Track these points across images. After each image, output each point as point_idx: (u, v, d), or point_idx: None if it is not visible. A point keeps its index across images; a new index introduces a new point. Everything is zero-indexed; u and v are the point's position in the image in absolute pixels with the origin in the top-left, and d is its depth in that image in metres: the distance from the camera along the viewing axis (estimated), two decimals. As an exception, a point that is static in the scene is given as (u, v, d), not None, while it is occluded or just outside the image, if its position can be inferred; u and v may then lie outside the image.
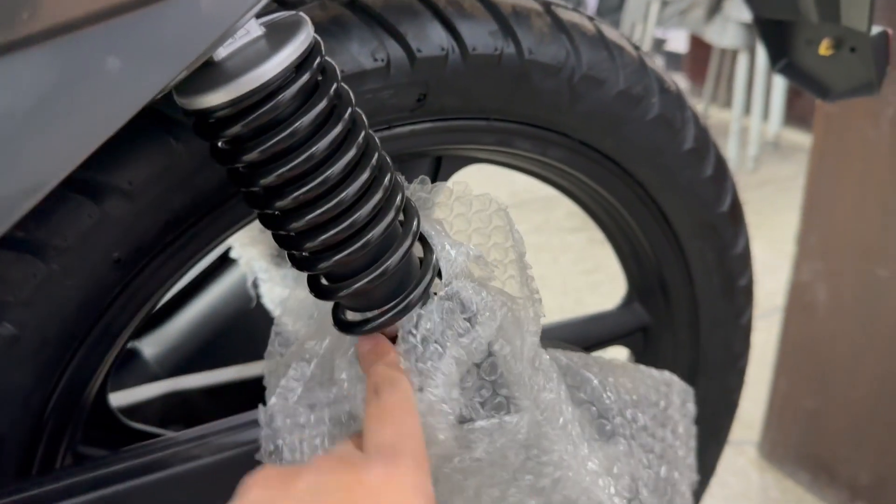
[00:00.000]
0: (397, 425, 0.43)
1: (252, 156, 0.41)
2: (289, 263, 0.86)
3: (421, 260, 0.50)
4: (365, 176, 0.44)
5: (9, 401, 0.53)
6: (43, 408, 0.55)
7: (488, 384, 0.51)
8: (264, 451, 0.50)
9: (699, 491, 0.99)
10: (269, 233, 0.83)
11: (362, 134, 0.44)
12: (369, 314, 0.48)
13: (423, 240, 0.50)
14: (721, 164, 0.80)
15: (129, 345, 0.89)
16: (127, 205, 0.51)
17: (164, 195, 0.53)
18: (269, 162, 0.42)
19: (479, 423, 0.49)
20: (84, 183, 0.50)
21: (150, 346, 0.89)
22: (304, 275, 0.86)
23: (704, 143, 0.77)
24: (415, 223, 0.48)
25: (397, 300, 0.48)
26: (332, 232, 0.44)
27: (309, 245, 0.44)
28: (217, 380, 0.83)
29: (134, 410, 0.76)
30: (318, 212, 0.43)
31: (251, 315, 0.90)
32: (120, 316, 0.56)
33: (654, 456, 0.63)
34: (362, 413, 0.49)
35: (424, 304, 0.49)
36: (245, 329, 0.91)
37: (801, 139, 3.69)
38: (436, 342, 0.47)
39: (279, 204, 0.43)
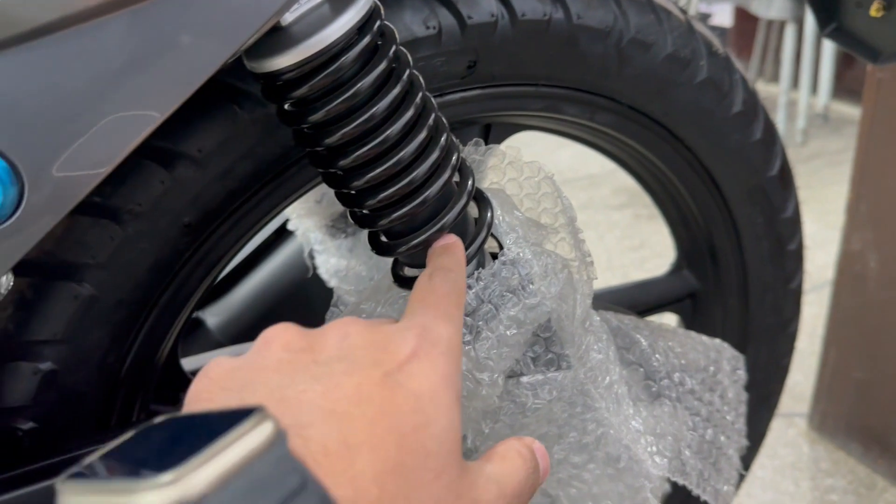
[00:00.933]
0: (441, 309, 0.41)
1: (317, 116, 0.43)
2: (343, 234, 0.89)
3: (476, 220, 0.52)
4: (422, 135, 0.45)
5: (88, 359, 0.56)
6: (119, 367, 0.58)
7: (541, 341, 0.52)
8: None
9: (749, 457, 1.00)
10: (324, 204, 0.86)
11: (419, 95, 0.46)
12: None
13: (479, 199, 0.52)
14: (770, 128, 0.80)
15: (194, 315, 0.92)
16: (196, 172, 0.54)
17: (231, 163, 0.55)
18: (333, 122, 0.44)
19: (525, 379, 0.50)
20: (156, 150, 0.53)
21: (214, 316, 0.93)
22: (359, 246, 0.88)
23: (753, 107, 0.77)
24: (470, 182, 0.49)
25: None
26: (391, 190, 0.46)
27: (370, 202, 0.46)
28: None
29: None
30: (379, 170, 0.45)
31: (307, 285, 0.93)
32: (189, 280, 0.59)
33: (699, 419, 0.64)
34: None
35: (481, 263, 0.51)
36: (301, 299, 0.94)
37: (851, 112, 3.61)
38: (490, 302, 0.49)
39: (342, 163, 0.45)
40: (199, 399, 0.38)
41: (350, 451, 0.33)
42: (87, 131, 0.41)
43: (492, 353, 0.47)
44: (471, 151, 0.54)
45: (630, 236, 2.56)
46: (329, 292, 0.86)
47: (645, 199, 3.03)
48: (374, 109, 0.43)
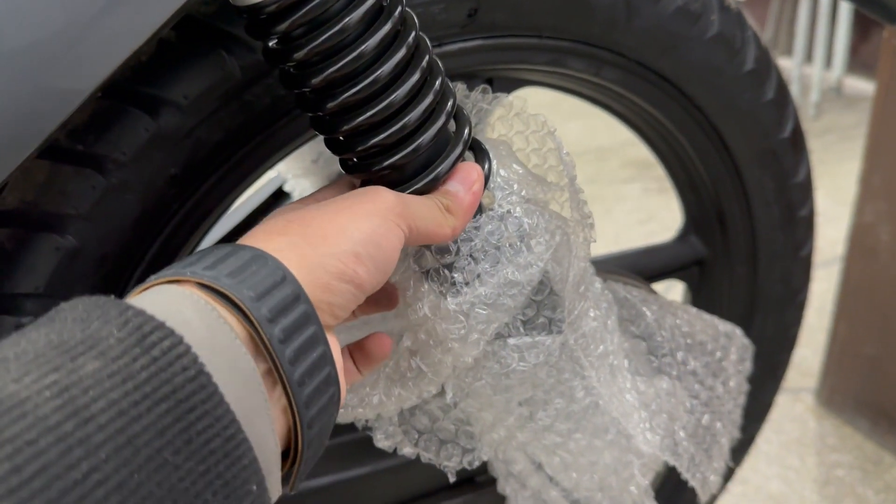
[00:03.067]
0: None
1: (301, 54, 0.41)
2: (341, 196, 0.86)
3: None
4: (415, 77, 0.43)
5: (73, 314, 0.54)
6: (105, 323, 0.57)
7: (533, 304, 0.50)
8: None
9: (754, 430, 0.98)
10: (320, 164, 0.83)
11: (412, 34, 0.43)
12: None
13: (476, 149, 0.49)
14: (783, 88, 0.77)
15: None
16: (182, 120, 0.52)
17: (218, 111, 0.53)
18: (319, 61, 0.41)
19: (512, 341, 0.48)
20: (140, 96, 0.51)
21: (207, 279, 0.91)
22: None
23: (765, 65, 0.75)
24: (466, 130, 0.47)
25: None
26: (382, 136, 0.44)
27: (360, 149, 0.44)
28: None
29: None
30: (368, 114, 0.43)
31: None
32: (177, 235, 0.57)
33: (698, 402, 0.62)
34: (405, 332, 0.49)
35: (476, 214, 0.49)
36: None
37: (865, 86, 3.55)
38: (470, 256, 0.46)
39: (329, 106, 0.43)
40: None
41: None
42: (56, 62, 0.39)
43: (465, 307, 0.45)
44: (477, 99, 0.51)
45: (638, 210, 2.53)
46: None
47: (653, 173, 3.00)
48: (363, 47, 0.41)
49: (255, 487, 0.31)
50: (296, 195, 0.88)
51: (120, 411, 0.28)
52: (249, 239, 0.40)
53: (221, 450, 0.30)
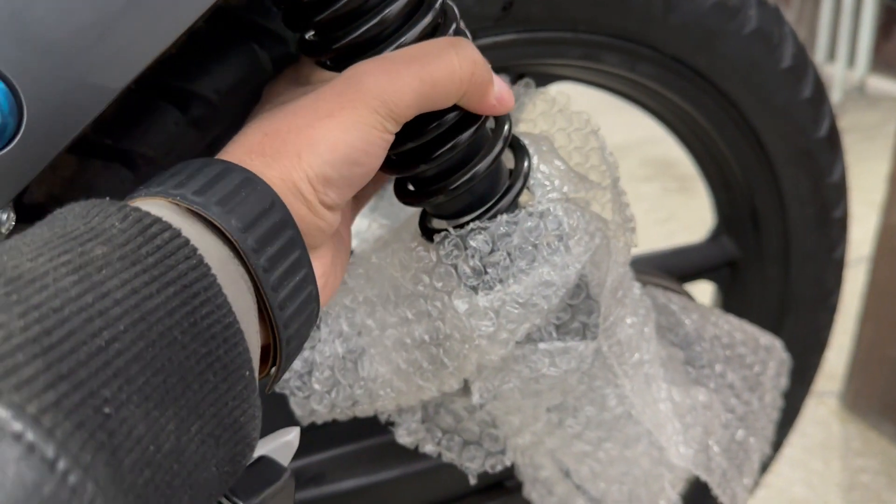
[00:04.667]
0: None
1: (339, 46, 0.40)
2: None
3: (511, 170, 0.48)
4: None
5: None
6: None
7: (568, 308, 0.49)
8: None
9: (782, 434, 0.96)
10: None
11: (453, 26, 0.42)
12: (454, 222, 0.47)
13: (515, 147, 0.48)
14: (819, 86, 0.76)
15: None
16: (212, 114, 0.51)
17: (248, 105, 0.52)
18: (358, 52, 0.40)
19: (543, 345, 0.47)
20: (171, 90, 0.50)
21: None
22: (382, 205, 0.85)
23: (803, 62, 0.73)
24: (506, 127, 0.46)
25: (484, 209, 0.46)
26: (421, 136, 0.42)
27: (396, 148, 0.43)
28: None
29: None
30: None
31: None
32: (205, 231, 0.56)
33: (734, 417, 0.60)
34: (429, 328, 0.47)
35: (513, 212, 0.48)
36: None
37: (888, 86, 3.51)
38: (506, 251, 0.45)
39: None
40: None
41: None
42: (92, 57, 0.38)
43: (496, 305, 0.43)
44: (520, 93, 0.50)
45: (658, 208, 2.50)
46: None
47: (673, 172, 2.97)
48: (403, 39, 0.39)
49: (247, 373, 0.33)
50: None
51: (133, 289, 0.29)
52: (230, 154, 0.40)
53: (221, 335, 0.31)
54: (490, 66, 0.44)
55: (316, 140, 0.38)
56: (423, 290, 0.47)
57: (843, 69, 3.35)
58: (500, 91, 0.43)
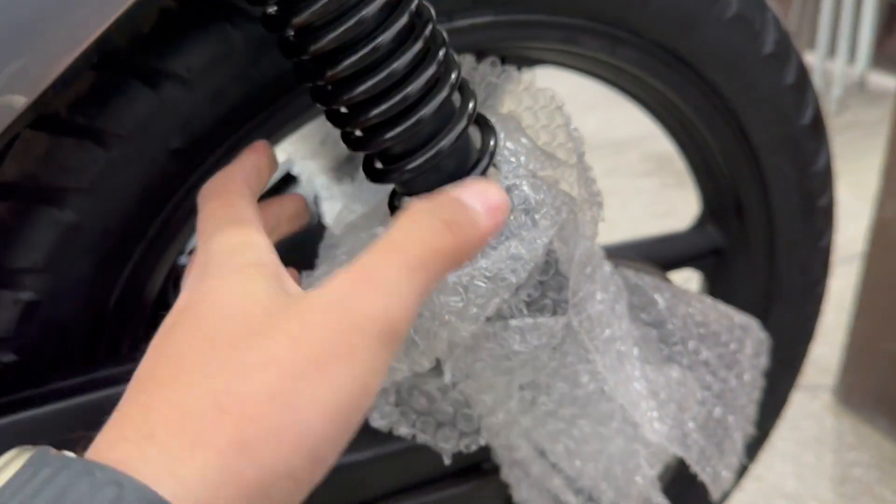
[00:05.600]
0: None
1: (300, 19, 0.40)
2: (350, 179, 0.85)
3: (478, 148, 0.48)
4: (418, 46, 0.42)
5: (72, 291, 0.54)
6: (105, 301, 0.56)
7: (539, 285, 0.49)
8: None
9: (770, 425, 0.96)
10: (329, 146, 0.82)
11: (415, 2, 0.42)
12: None
13: (482, 124, 0.48)
14: (803, 73, 0.75)
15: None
16: (185, 93, 0.51)
17: (221, 85, 0.52)
18: (319, 27, 0.40)
19: (514, 322, 0.47)
20: (142, 68, 0.50)
21: (216, 263, 0.90)
22: (363, 191, 0.85)
23: (786, 49, 0.73)
24: (471, 104, 0.46)
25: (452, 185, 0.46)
26: (383, 106, 0.42)
27: (360, 120, 0.43)
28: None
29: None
30: (369, 83, 0.41)
31: (313, 232, 0.90)
32: (179, 211, 0.56)
33: (710, 394, 0.60)
34: None
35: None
36: (306, 246, 0.91)
37: (889, 82, 3.50)
38: None
39: (330, 74, 0.41)
40: None
41: None
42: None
43: (464, 280, 0.43)
44: (487, 72, 0.50)
45: (656, 203, 2.50)
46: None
47: (672, 167, 2.98)
48: (364, 13, 0.39)
49: None
50: (303, 179, 0.87)
51: None
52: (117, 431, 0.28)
53: None
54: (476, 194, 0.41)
55: (303, 412, 0.28)
56: None
57: (843, 65, 3.34)
58: (486, 213, 0.39)
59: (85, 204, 0.51)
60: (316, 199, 0.86)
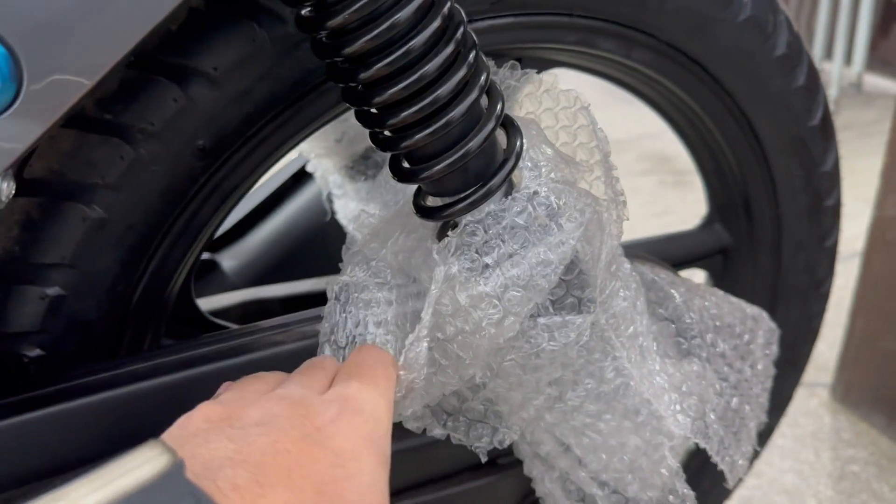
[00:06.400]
0: (368, 379, 0.43)
1: (335, 22, 0.40)
2: (363, 177, 0.86)
3: (504, 149, 0.49)
4: (449, 49, 0.42)
5: (97, 286, 0.54)
6: (129, 296, 0.56)
7: (563, 284, 0.49)
8: (326, 325, 0.50)
9: (773, 421, 0.97)
10: (344, 144, 0.83)
11: (447, 5, 0.42)
12: (448, 199, 0.47)
13: (508, 126, 0.49)
14: (813, 75, 0.76)
15: (209, 257, 0.90)
16: (211, 91, 0.51)
17: (248, 84, 0.52)
18: (353, 30, 0.41)
19: (542, 320, 0.48)
20: (170, 67, 0.50)
21: (229, 260, 0.91)
22: (377, 190, 0.86)
23: (797, 51, 0.73)
24: (499, 106, 0.46)
25: (477, 186, 0.47)
26: (413, 108, 0.43)
27: (391, 122, 0.44)
28: (295, 291, 0.84)
29: (214, 315, 0.77)
30: (401, 85, 0.42)
31: (325, 230, 0.91)
32: (202, 208, 0.56)
33: (727, 385, 0.61)
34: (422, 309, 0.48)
35: (507, 192, 0.48)
36: (319, 244, 0.92)
37: (884, 84, 3.52)
38: (498, 237, 0.46)
39: (362, 76, 0.42)
40: None
41: (263, 488, 0.33)
42: (91, 24, 0.38)
43: (499, 290, 0.44)
44: (506, 76, 0.51)
45: (654, 202, 2.51)
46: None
47: (670, 166, 2.98)
48: (398, 17, 0.40)
49: None
50: (318, 176, 0.87)
51: None
52: None
53: None
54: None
55: None
56: (427, 282, 0.48)
57: (839, 67, 3.36)
58: None
59: (111, 200, 0.52)
60: (329, 197, 0.87)
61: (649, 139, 2.91)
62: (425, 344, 0.45)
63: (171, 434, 0.38)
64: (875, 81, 3.59)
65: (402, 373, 0.46)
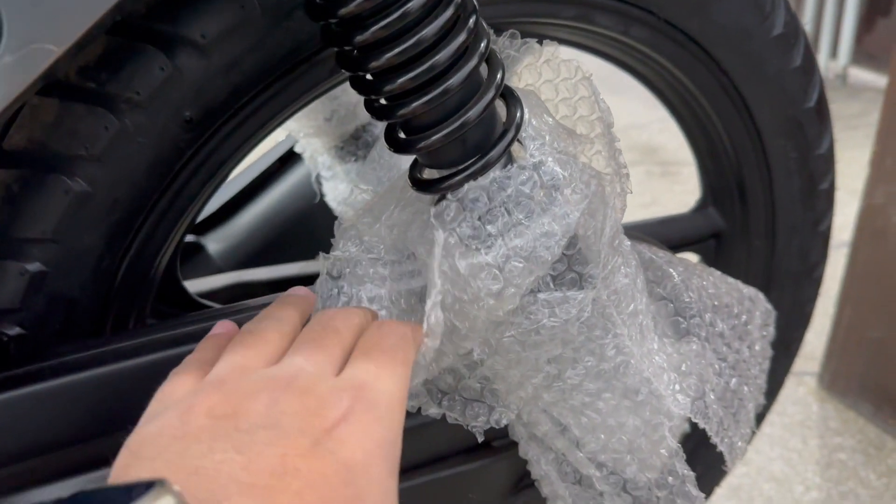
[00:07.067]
0: (386, 364, 0.40)
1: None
2: (353, 158, 0.84)
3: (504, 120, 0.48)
4: (448, 13, 0.41)
5: (80, 262, 0.52)
6: (113, 274, 0.55)
7: (564, 259, 0.48)
8: (318, 301, 0.48)
9: (764, 407, 0.96)
10: (333, 123, 0.81)
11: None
12: (446, 172, 0.46)
13: (508, 96, 0.47)
14: (809, 56, 0.75)
15: (195, 240, 0.88)
16: (199, 60, 0.50)
17: (236, 53, 0.51)
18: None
19: (543, 295, 0.46)
20: (156, 33, 0.49)
21: (216, 242, 0.89)
22: (368, 171, 0.84)
23: (794, 30, 0.73)
24: (499, 75, 0.45)
25: (476, 157, 0.45)
26: (411, 74, 0.41)
27: (387, 89, 0.42)
28: (283, 274, 0.82)
29: (201, 297, 0.76)
30: (398, 49, 0.40)
31: (314, 212, 0.89)
32: (189, 184, 0.55)
33: (726, 365, 0.60)
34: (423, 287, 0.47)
35: (505, 165, 0.47)
36: (307, 226, 0.90)
37: (869, 77, 3.54)
38: (503, 206, 0.44)
39: (359, 39, 0.40)
40: (118, 471, 0.35)
41: None
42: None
43: (500, 261, 0.43)
44: (505, 45, 0.49)
45: (642, 192, 2.51)
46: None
47: (657, 157, 2.99)
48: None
49: None
50: (307, 157, 0.86)
51: None
52: None
53: None
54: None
55: None
56: (426, 255, 0.47)
57: (825, 60, 3.37)
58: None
59: (95, 173, 0.50)
60: (318, 179, 0.86)
61: (636, 130, 2.91)
62: (440, 309, 0.43)
63: (173, 429, 0.36)
64: (860, 74, 3.60)
65: (426, 340, 0.44)
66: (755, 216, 0.83)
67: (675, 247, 0.85)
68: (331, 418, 0.36)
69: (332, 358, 0.40)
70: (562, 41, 0.68)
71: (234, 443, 0.34)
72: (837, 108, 3.33)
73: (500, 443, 0.60)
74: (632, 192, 0.48)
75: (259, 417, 0.36)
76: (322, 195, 0.87)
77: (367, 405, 0.37)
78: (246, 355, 0.40)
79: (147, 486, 0.28)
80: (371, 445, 0.36)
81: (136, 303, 0.58)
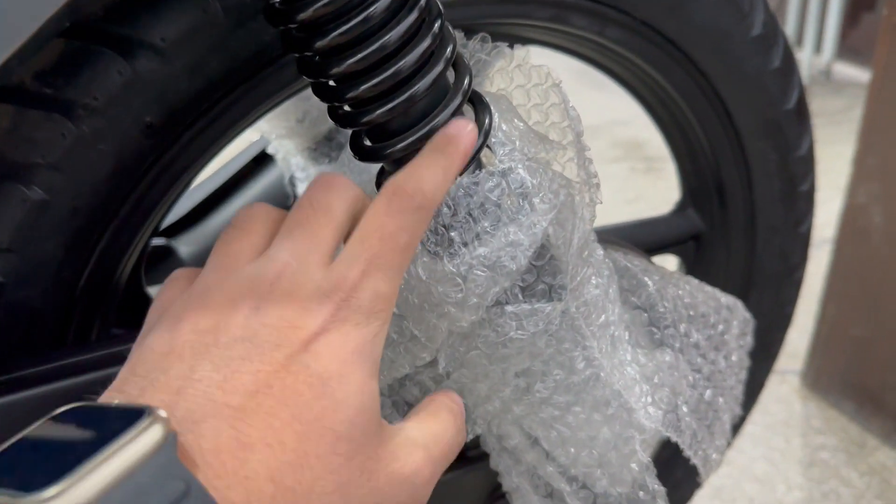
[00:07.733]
0: (383, 260, 0.37)
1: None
2: (326, 159, 0.83)
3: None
4: (412, 17, 0.40)
5: (41, 271, 0.51)
6: (75, 283, 0.53)
7: (533, 270, 0.47)
8: None
9: (746, 407, 0.96)
10: (306, 125, 0.80)
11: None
12: None
13: (477, 102, 0.46)
14: (789, 57, 0.75)
15: (165, 243, 0.87)
16: (159, 64, 0.48)
17: (198, 56, 0.49)
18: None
19: (510, 308, 0.45)
20: (114, 37, 0.47)
21: (186, 245, 0.87)
22: (341, 170, 0.83)
23: (773, 31, 0.72)
24: (466, 80, 0.44)
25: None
26: (374, 81, 0.40)
27: (350, 95, 0.41)
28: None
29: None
30: (360, 55, 0.39)
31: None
32: (151, 190, 0.53)
33: (701, 377, 0.59)
34: None
35: (473, 171, 0.46)
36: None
37: (853, 72, 3.55)
38: (469, 214, 0.43)
39: (319, 44, 0.39)
40: (117, 384, 0.36)
41: (243, 449, 0.31)
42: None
43: (463, 269, 0.41)
44: (476, 49, 0.48)
45: (626, 189, 2.51)
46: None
47: (641, 153, 3.00)
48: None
49: None
50: (279, 158, 0.84)
51: None
52: None
53: None
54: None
55: None
56: None
57: (809, 55, 3.38)
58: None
59: (53, 181, 0.48)
60: (292, 180, 0.84)
61: (620, 126, 2.90)
62: None
63: (160, 342, 0.36)
64: (844, 70, 3.61)
65: None
66: (735, 218, 0.82)
67: (655, 249, 0.84)
68: (309, 329, 0.35)
69: (321, 245, 0.38)
70: (538, 42, 0.67)
71: (213, 359, 0.34)
72: (821, 104, 3.36)
73: (473, 453, 0.59)
74: (601, 203, 0.47)
75: (238, 329, 0.35)
76: (296, 197, 0.85)
77: (350, 311, 0.36)
78: (229, 252, 0.39)
79: (137, 415, 0.29)
80: (347, 354, 0.35)
81: (99, 311, 0.56)
